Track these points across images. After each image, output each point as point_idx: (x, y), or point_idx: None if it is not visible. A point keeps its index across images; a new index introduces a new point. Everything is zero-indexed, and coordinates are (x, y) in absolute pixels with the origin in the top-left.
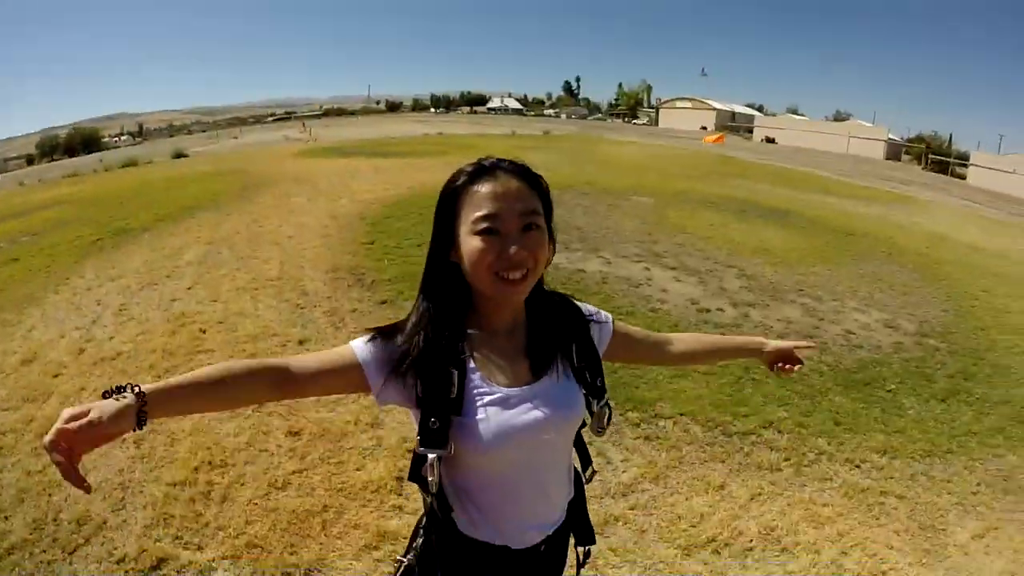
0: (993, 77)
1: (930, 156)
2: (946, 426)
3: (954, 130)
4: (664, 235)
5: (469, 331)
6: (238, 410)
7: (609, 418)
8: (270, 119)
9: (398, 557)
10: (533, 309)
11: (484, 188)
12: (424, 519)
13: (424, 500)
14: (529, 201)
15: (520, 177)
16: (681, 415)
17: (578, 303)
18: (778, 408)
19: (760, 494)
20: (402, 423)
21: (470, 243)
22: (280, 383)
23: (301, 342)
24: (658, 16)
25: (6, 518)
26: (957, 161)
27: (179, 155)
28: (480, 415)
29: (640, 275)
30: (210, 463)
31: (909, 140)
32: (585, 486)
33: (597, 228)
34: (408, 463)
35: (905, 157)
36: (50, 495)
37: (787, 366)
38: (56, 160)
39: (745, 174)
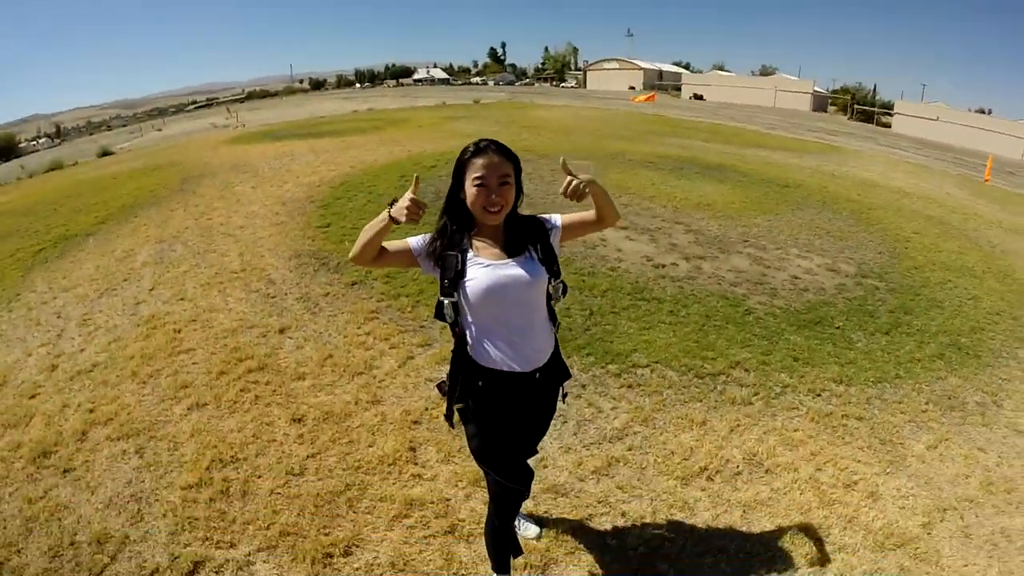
0: (915, 29)
1: (855, 107)
2: (892, 356)
3: (878, 81)
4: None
5: (472, 235)
6: (236, 402)
7: (563, 292)
8: (192, 107)
9: (439, 379)
10: (511, 224)
11: (478, 160)
12: (453, 353)
13: (453, 339)
14: (504, 167)
15: (499, 153)
16: (656, 363)
17: (543, 218)
18: (741, 349)
19: (738, 426)
20: (400, 397)
21: (470, 190)
22: (382, 252)
23: (281, 330)
24: None
25: (19, 551)
26: (881, 111)
27: (105, 153)
28: (471, 275)
29: (594, 236)
30: (220, 461)
31: (834, 92)
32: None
33: (544, 194)
34: (414, 434)
35: (831, 108)
36: (60, 519)
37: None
38: None
39: (677, 132)
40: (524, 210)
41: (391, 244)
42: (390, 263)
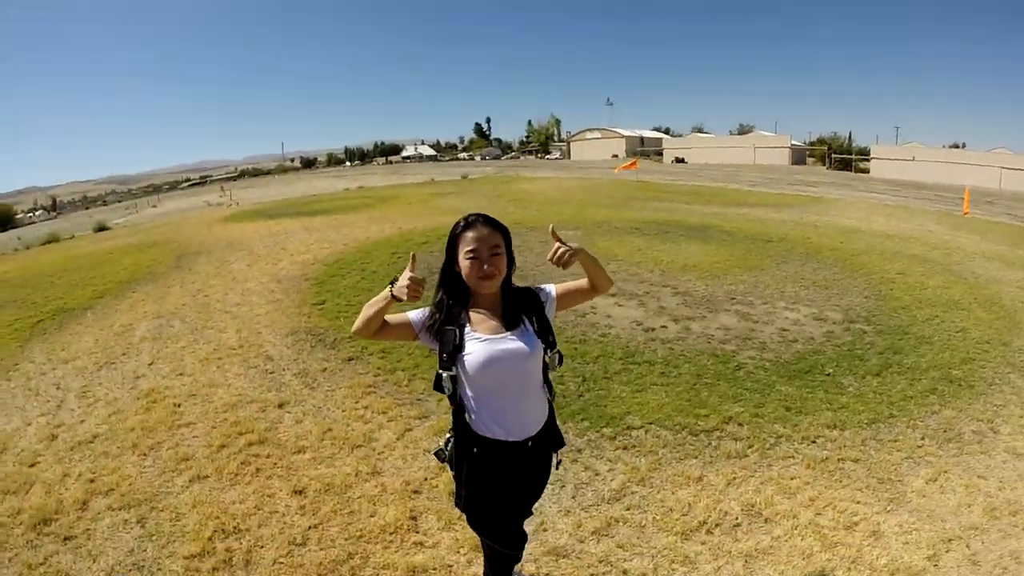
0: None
1: (833, 156)
2: (884, 396)
3: (852, 128)
4: None
5: (469, 308)
6: (237, 475)
7: (559, 362)
8: (186, 184)
9: (439, 445)
10: (507, 296)
11: (469, 233)
12: (452, 421)
13: (452, 407)
14: (494, 238)
15: (488, 225)
16: (650, 423)
17: (538, 288)
18: (734, 404)
19: (735, 479)
20: (400, 468)
21: (464, 263)
22: (383, 325)
23: (280, 405)
24: (560, 52)
25: None
26: (859, 157)
27: (102, 228)
28: (469, 350)
29: (584, 305)
30: (223, 531)
31: (811, 143)
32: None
33: (535, 265)
34: (415, 503)
35: (809, 160)
36: None
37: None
38: None
39: (660, 196)
40: (517, 282)
41: (392, 318)
42: (392, 336)
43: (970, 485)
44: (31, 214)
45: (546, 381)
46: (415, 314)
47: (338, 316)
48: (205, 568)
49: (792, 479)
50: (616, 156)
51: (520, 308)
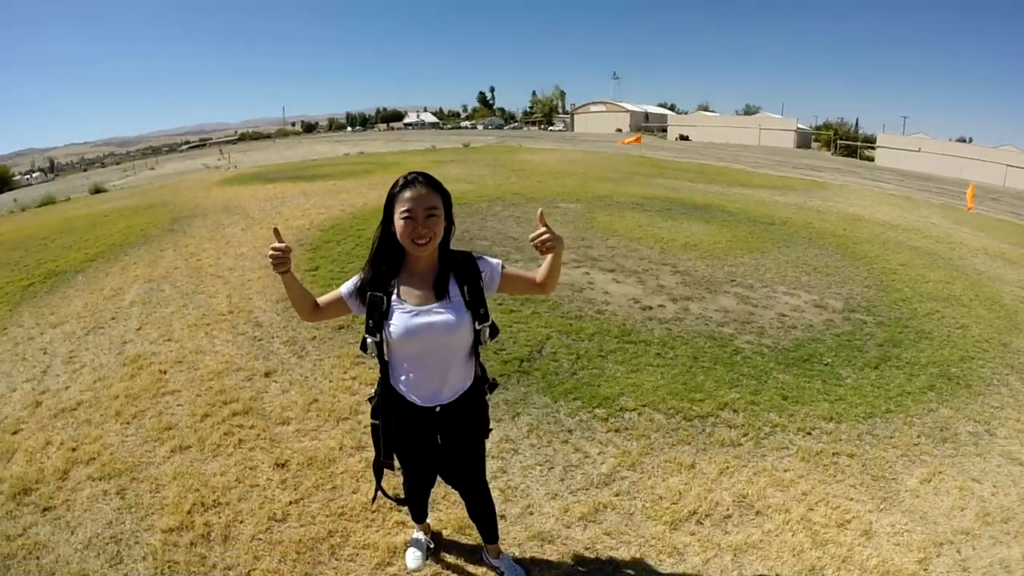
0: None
1: (839, 142)
2: (882, 390)
3: (860, 115)
4: (597, 239)
5: (401, 273)
6: (220, 446)
7: (490, 335)
8: (185, 147)
9: (375, 391)
10: (444, 262)
11: (406, 193)
12: (380, 378)
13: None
14: (431, 199)
15: (428, 186)
16: (644, 406)
17: (478, 258)
18: (730, 390)
19: (727, 468)
20: None
21: (399, 223)
22: (315, 307)
23: (267, 374)
24: (567, 22)
25: None
26: (865, 144)
27: (98, 190)
28: (394, 319)
29: (581, 280)
30: (202, 504)
31: (817, 128)
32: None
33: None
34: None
35: (815, 144)
36: (38, 558)
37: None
38: None
39: (664, 173)
40: (516, 252)
41: (326, 296)
42: (330, 315)
43: (964, 488)
44: (28, 176)
45: (476, 353)
46: (346, 285)
47: (330, 283)
48: (182, 543)
49: (786, 471)
50: (620, 130)
51: (454, 275)
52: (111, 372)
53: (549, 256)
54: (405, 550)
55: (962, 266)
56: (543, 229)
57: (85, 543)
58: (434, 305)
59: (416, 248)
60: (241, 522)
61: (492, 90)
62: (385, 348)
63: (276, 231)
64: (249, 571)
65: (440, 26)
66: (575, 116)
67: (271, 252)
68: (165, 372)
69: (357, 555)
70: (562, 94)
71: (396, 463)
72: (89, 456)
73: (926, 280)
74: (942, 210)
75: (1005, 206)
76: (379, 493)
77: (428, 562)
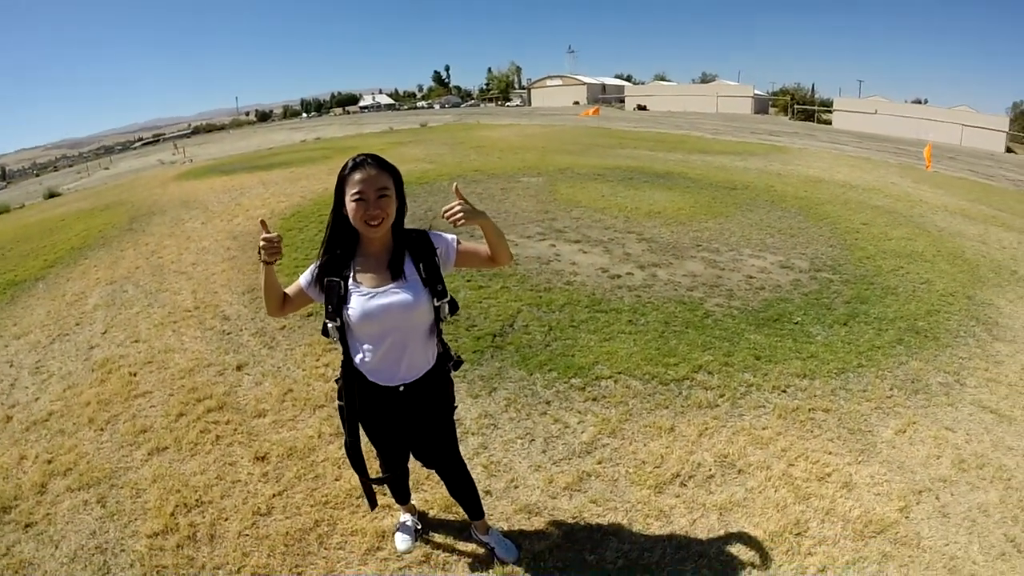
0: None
1: (796, 107)
2: (852, 345)
3: (816, 80)
4: (561, 211)
5: (356, 256)
6: (197, 444)
7: (450, 311)
8: (138, 144)
9: (336, 378)
10: (398, 242)
11: (356, 175)
12: (343, 360)
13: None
14: (382, 180)
15: (377, 166)
16: (619, 374)
17: (433, 235)
18: (703, 353)
19: (707, 429)
20: None
21: (350, 205)
22: (284, 300)
23: (239, 367)
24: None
25: None
26: (822, 108)
27: (52, 195)
28: (352, 303)
29: (548, 252)
30: (185, 505)
31: (774, 94)
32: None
33: (496, 212)
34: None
35: (772, 110)
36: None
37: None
38: None
39: (624, 144)
40: (477, 228)
41: (291, 288)
42: (296, 307)
43: (938, 437)
44: None
45: (438, 330)
46: (304, 274)
47: (296, 270)
48: (169, 546)
49: (764, 429)
50: (577, 103)
51: (409, 254)
52: (80, 379)
53: (478, 229)
54: (393, 534)
55: (923, 223)
56: (459, 203)
57: (71, 556)
58: (391, 286)
59: (369, 229)
60: (226, 519)
61: (447, 69)
62: (347, 331)
63: (263, 222)
64: (239, 568)
65: (391, 6)
66: (532, 91)
67: (263, 242)
68: (135, 374)
69: (346, 543)
70: (518, 70)
71: (383, 472)
72: (66, 467)
73: (889, 238)
74: (901, 170)
75: (962, 164)
76: (364, 480)
77: (417, 543)
